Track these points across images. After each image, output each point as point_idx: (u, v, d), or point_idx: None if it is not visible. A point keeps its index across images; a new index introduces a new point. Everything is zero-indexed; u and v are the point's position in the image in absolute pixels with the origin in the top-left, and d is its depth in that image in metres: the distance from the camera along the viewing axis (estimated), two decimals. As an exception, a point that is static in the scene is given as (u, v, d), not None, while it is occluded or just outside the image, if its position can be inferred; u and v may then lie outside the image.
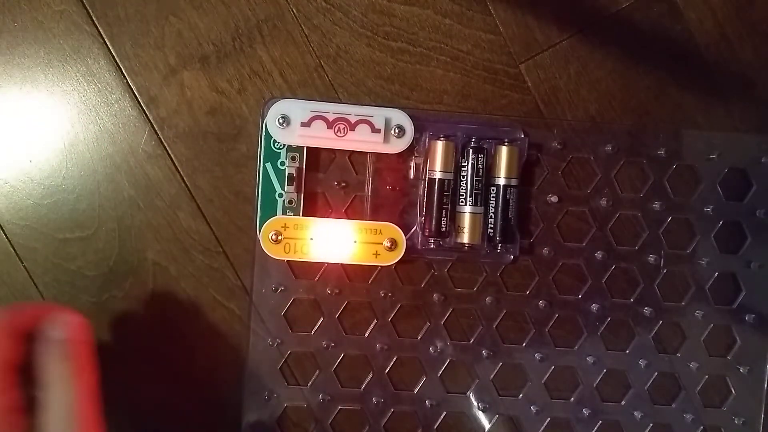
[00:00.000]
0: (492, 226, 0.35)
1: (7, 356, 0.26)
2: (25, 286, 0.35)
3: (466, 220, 0.34)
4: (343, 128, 0.34)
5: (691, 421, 0.37)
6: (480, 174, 0.34)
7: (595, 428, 0.37)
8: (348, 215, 0.35)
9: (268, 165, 0.34)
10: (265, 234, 0.33)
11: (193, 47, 0.35)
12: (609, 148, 0.36)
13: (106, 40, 0.35)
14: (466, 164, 0.34)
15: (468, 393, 0.37)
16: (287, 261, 0.35)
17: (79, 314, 0.28)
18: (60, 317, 0.27)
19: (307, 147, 0.34)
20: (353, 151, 0.35)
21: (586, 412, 0.37)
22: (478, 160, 0.34)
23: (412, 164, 0.35)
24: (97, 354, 0.29)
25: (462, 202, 0.35)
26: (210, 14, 0.35)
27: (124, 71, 0.35)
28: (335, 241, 0.34)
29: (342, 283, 0.36)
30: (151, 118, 0.35)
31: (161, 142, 0.35)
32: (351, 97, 0.35)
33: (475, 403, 0.37)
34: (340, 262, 0.35)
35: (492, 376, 0.37)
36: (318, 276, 0.35)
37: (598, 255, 0.36)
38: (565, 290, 0.37)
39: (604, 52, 0.36)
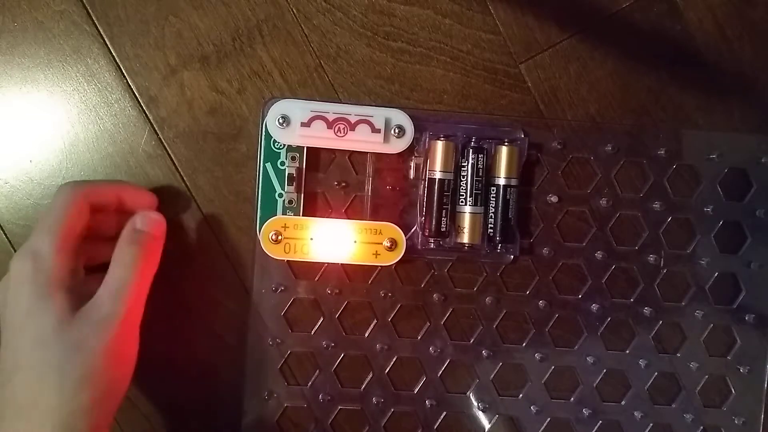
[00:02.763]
0: (492, 226, 0.35)
1: (81, 223, 0.30)
2: (25, 286, 0.35)
3: (466, 220, 0.34)
4: (343, 128, 0.34)
5: (691, 421, 0.37)
6: (480, 174, 0.34)
7: (595, 428, 0.37)
8: (348, 215, 0.35)
9: (268, 165, 0.34)
10: (265, 234, 0.33)
11: (193, 47, 0.35)
12: (609, 148, 0.36)
13: (106, 40, 0.35)
14: (466, 164, 0.34)
15: (468, 393, 0.37)
16: (287, 261, 0.35)
17: (161, 216, 0.32)
18: (148, 214, 0.32)
19: (307, 147, 0.34)
20: (353, 151, 0.35)
21: (586, 412, 0.37)
22: (478, 160, 0.34)
23: (412, 164, 0.35)
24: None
25: (462, 202, 0.35)
26: (210, 14, 0.35)
27: (124, 71, 0.35)
28: (335, 241, 0.34)
29: (342, 283, 0.36)
30: (151, 118, 0.35)
31: (161, 142, 0.35)
32: (351, 97, 0.35)
33: (475, 403, 0.37)
34: (340, 262, 0.35)
35: (492, 376, 0.37)
36: (318, 276, 0.35)
37: (598, 255, 0.36)
38: (565, 290, 0.37)
39: (604, 52, 0.36)
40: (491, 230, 0.35)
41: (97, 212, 0.31)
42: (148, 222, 0.32)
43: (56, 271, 0.28)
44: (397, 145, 0.34)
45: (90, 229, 0.31)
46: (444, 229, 0.34)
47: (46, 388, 0.27)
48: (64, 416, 0.27)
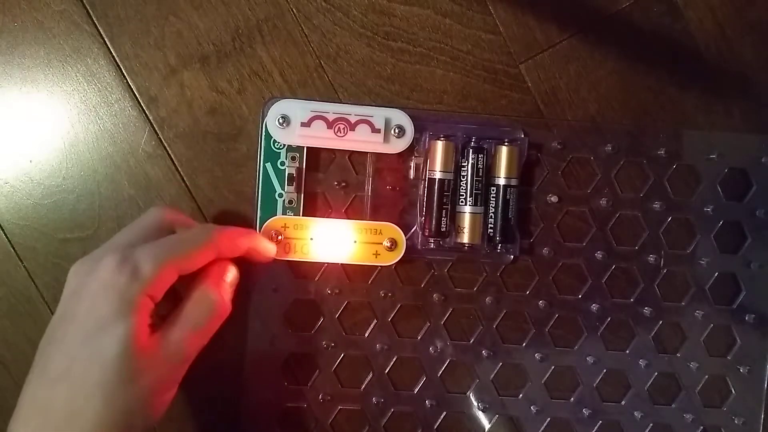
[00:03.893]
0: (492, 226, 0.35)
1: (201, 264, 0.29)
2: (25, 286, 0.35)
3: (466, 220, 0.34)
4: (343, 128, 0.34)
5: (691, 421, 0.37)
6: (480, 174, 0.34)
7: (595, 428, 0.37)
8: (348, 215, 0.35)
9: (268, 165, 0.34)
10: (265, 234, 0.33)
11: (193, 47, 0.35)
12: (609, 148, 0.36)
13: (106, 40, 0.35)
14: (466, 164, 0.34)
15: (468, 393, 0.37)
16: (287, 261, 0.35)
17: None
18: (233, 271, 0.31)
19: (307, 147, 0.34)
20: (353, 151, 0.35)
21: (586, 412, 0.37)
22: (478, 160, 0.34)
23: (412, 164, 0.35)
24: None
25: (462, 202, 0.35)
26: (210, 14, 0.35)
27: (124, 71, 0.35)
28: (335, 241, 0.34)
29: (342, 283, 0.36)
30: (151, 118, 0.35)
31: (161, 142, 0.35)
32: (351, 97, 0.35)
33: (475, 403, 0.37)
34: (340, 262, 0.35)
35: (492, 376, 0.37)
36: (318, 276, 0.35)
37: (598, 255, 0.36)
38: (565, 290, 0.37)
39: (604, 52, 0.36)
40: (491, 230, 0.35)
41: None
42: (236, 276, 0.31)
43: (148, 295, 0.27)
44: (397, 145, 0.34)
45: None
46: (444, 229, 0.34)
47: (88, 412, 0.25)
48: None
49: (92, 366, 0.26)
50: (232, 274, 0.31)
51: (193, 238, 0.29)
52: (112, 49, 0.35)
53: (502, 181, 0.35)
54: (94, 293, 0.26)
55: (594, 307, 0.36)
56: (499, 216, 0.35)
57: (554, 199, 0.36)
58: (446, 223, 0.34)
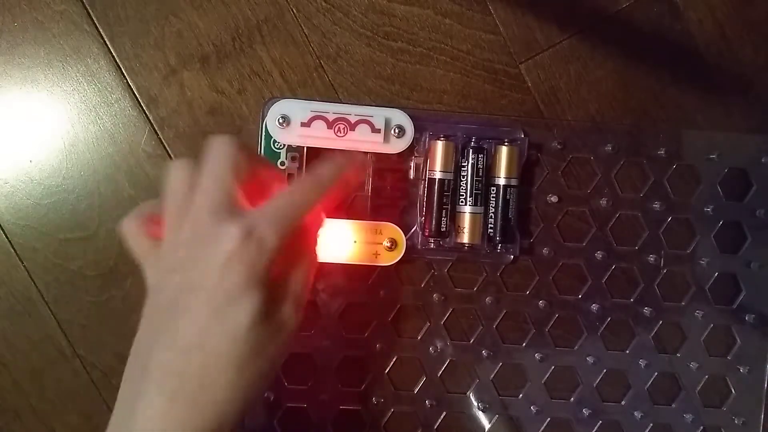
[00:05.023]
0: (492, 226, 0.35)
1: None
2: (25, 286, 0.35)
3: (466, 220, 0.34)
4: (343, 128, 0.34)
5: (691, 421, 0.37)
6: (480, 174, 0.34)
7: (595, 428, 0.37)
8: (348, 215, 0.35)
9: (268, 165, 0.34)
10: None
11: (193, 47, 0.35)
12: (609, 148, 0.36)
13: (106, 40, 0.35)
14: (466, 164, 0.34)
15: (468, 393, 0.37)
16: (287, 261, 0.35)
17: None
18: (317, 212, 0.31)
19: (307, 147, 0.34)
20: (353, 151, 0.35)
21: (586, 412, 0.37)
22: (478, 160, 0.34)
23: (412, 164, 0.35)
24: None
25: (462, 202, 0.35)
26: (210, 14, 0.35)
27: (124, 71, 0.35)
28: (335, 241, 0.34)
29: (342, 283, 0.36)
30: (151, 118, 0.35)
31: (161, 142, 0.35)
32: (351, 97, 0.35)
33: (475, 403, 0.37)
34: (340, 262, 0.35)
35: (492, 376, 0.37)
36: (318, 276, 0.35)
37: (598, 255, 0.36)
38: (565, 290, 0.37)
39: (604, 52, 0.36)
40: (491, 230, 0.35)
41: None
42: (317, 220, 0.31)
43: (273, 266, 0.27)
44: (397, 145, 0.34)
45: None
46: (444, 229, 0.34)
47: (222, 382, 0.26)
48: (225, 412, 0.26)
49: (225, 339, 0.26)
50: (322, 225, 0.31)
51: (306, 196, 0.29)
52: (112, 49, 0.35)
53: (502, 181, 0.35)
54: (221, 265, 0.26)
55: (594, 307, 0.36)
56: (499, 216, 0.35)
57: (554, 199, 0.36)
58: (446, 223, 0.34)
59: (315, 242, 0.31)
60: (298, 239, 0.29)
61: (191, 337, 0.26)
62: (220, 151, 0.28)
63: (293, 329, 0.28)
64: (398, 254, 0.34)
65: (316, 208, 0.29)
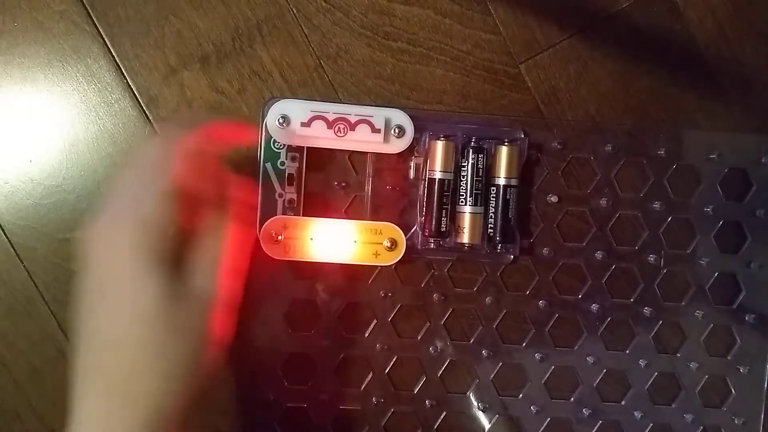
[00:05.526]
0: (492, 226, 0.35)
1: (196, 185, 0.28)
2: (25, 286, 0.35)
3: (466, 220, 0.34)
4: (343, 128, 0.34)
5: (691, 421, 0.37)
6: (480, 174, 0.34)
7: (595, 428, 0.37)
8: (348, 215, 0.35)
9: (268, 165, 0.34)
10: (265, 234, 0.33)
11: (193, 47, 0.35)
12: (609, 148, 0.36)
13: (106, 40, 0.35)
14: (466, 164, 0.34)
15: (468, 393, 0.37)
16: (287, 261, 0.35)
17: (252, 182, 0.31)
18: (242, 180, 0.30)
19: (307, 147, 0.34)
20: (353, 151, 0.35)
21: (586, 412, 0.37)
22: (478, 160, 0.34)
23: (412, 164, 0.35)
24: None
25: (462, 202, 0.35)
26: (210, 14, 0.35)
27: (124, 71, 0.35)
28: (335, 241, 0.34)
29: (342, 283, 0.36)
30: (151, 118, 0.35)
31: (161, 142, 0.35)
32: (351, 97, 0.35)
33: (475, 403, 0.37)
34: (340, 262, 0.35)
35: (492, 376, 0.37)
36: (318, 276, 0.35)
37: (598, 255, 0.36)
38: (565, 290, 0.37)
39: (604, 52, 0.36)
40: (491, 230, 0.35)
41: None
42: (246, 190, 0.30)
43: (166, 241, 0.26)
44: (397, 145, 0.34)
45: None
46: (444, 229, 0.34)
47: (143, 369, 0.26)
48: (158, 400, 0.26)
49: (135, 326, 0.26)
50: (238, 190, 0.30)
51: (162, 157, 0.28)
52: (112, 49, 0.35)
53: (502, 181, 0.35)
54: (113, 259, 0.26)
55: (594, 307, 0.36)
56: (499, 216, 0.35)
57: (554, 199, 0.36)
58: (446, 223, 0.34)
59: (225, 210, 0.29)
60: (196, 208, 0.28)
61: (106, 332, 0.26)
62: (155, 159, 0.27)
63: (210, 300, 0.27)
64: (398, 254, 0.34)
65: (188, 163, 0.28)
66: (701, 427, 0.37)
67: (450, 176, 0.34)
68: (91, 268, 0.27)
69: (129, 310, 0.26)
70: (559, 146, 0.36)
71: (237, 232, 0.29)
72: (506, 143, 0.35)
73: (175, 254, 0.27)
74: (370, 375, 0.36)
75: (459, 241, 0.35)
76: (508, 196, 0.35)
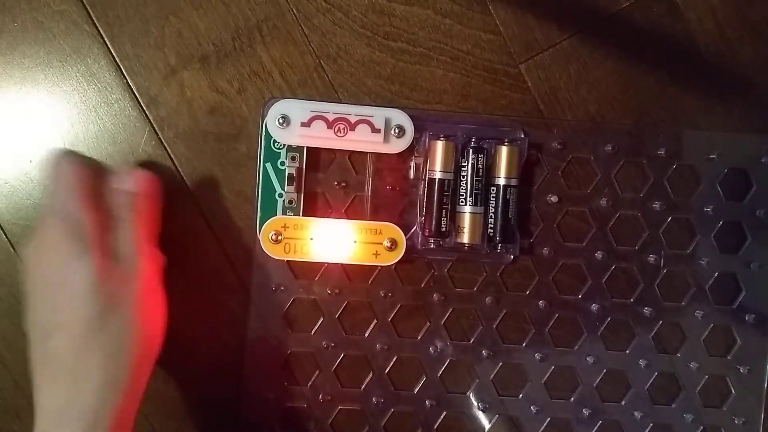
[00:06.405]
0: (492, 226, 0.35)
1: (92, 181, 0.31)
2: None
3: (466, 220, 0.34)
4: (343, 128, 0.34)
5: (691, 421, 0.37)
6: (480, 174, 0.34)
7: (595, 428, 0.37)
8: (348, 215, 0.35)
9: (268, 165, 0.34)
10: (265, 234, 0.33)
11: (193, 47, 0.35)
12: (609, 148, 0.36)
13: (106, 40, 0.35)
14: (466, 164, 0.34)
15: (468, 393, 0.37)
16: (287, 261, 0.35)
17: (150, 174, 0.32)
18: (136, 173, 0.32)
19: (307, 147, 0.34)
20: (353, 151, 0.35)
21: (586, 412, 0.37)
22: (478, 160, 0.34)
23: (412, 164, 0.35)
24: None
25: (462, 202, 0.35)
26: (210, 14, 0.35)
27: (124, 71, 0.35)
28: (335, 241, 0.34)
29: (342, 283, 0.36)
30: (151, 118, 0.35)
31: (161, 142, 0.35)
32: (351, 97, 0.35)
33: (475, 403, 0.37)
34: (340, 262, 0.35)
35: (492, 376, 0.37)
36: (318, 276, 0.35)
37: (598, 255, 0.36)
38: (565, 290, 0.37)
39: (604, 52, 0.36)
40: (491, 230, 0.35)
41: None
42: (136, 182, 0.32)
43: (88, 228, 0.29)
44: (397, 145, 0.34)
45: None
46: (444, 229, 0.34)
47: (90, 345, 0.28)
48: (106, 373, 0.28)
49: (74, 305, 0.28)
50: (129, 183, 0.32)
51: (64, 166, 0.31)
52: (112, 49, 0.35)
53: (502, 181, 0.35)
54: (50, 254, 0.29)
55: (594, 307, 0.36)
56: (499, 216, 0.35)
57: (554, 199, 0.36)
58: (446, 223, 0.34)
59: (128, 178, 0.32)
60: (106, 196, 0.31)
61: (50, 317, 0.29)
62: (57, 169, 0.30)
63: (142, 272, 0.30)
64: (398, 254, 0.34)
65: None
66: (701, 427, 0.37)
67: (450, 176, 0.34)
68: (33, 270, 0.30)
69: (67, 291, 0.28)
70: (559, 146, 0.36)
71: (138, 220, 0.31)
72: (506, 143, 0.35)
73: (98, 241, 0.29)
74: (370, 375, 0.36)
75: (459, 241, 0.35)
76: (508, 196, 0.35)
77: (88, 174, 0.31)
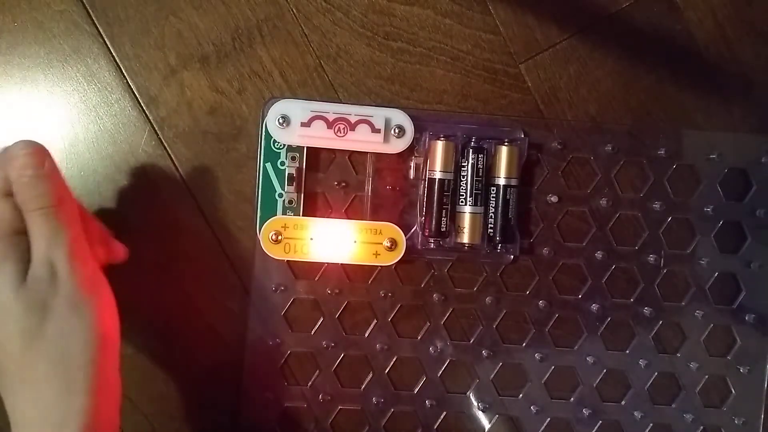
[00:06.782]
0: (492, 226, 0.35)
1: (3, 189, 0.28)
2: (25, 286, 0.35)
3: (466, 220, 0.34)
4: (343, 128, 0.34)
5: (691, 421, 0.37)
6: (480, 174, 0.34)
7: (595, 428, 0.37)
8: (348, 215, 0.35)
9: (268, 165, 0.34)
10: (265, 234, 0.33)
11: (193, 47, 0.35)
12: (609, 148, 0.36)
13: (106, 40, 0.35)
14: (466, 164, 0.34)
15: (468, 393, 0.37)
16: (287, 261, 0.35)
17: (37, 144, 0.29)
18: (18, 148, 0.28)
19: (307, 147, 0.34)
20: (353, 151, 0.35)
21: (586, 412, 0.37)
22: (478, 160, 0.34)
23: (412, 164, 0.35)
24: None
25: (462, 202, 0.35)
26: (210, 14, 0.35)
27: (124, 71, 0.35)
28: (335, 241, 0.34)
29: (342, 283, 0.36)
30: (151, 118, 0.35)
31: (161, 142, 0.35)
32: (351, 97, 0.35)
33: (475, 403, 0.37)
34: (340, 262, 0.35)
35: (492, 376, 0.37)
36: (318, 276, 0.35)
37: (598, 255, 0.36)
38: (565, 290, 0.37)
39: (604, 52, 0.36)
40: (491, 230, 0.35)
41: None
42: (28, 160, 0.28)
43: (4, 243, 0.28)
44: (397, 145, 0.34)
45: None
46: (444, 229, 0.34)
47: (33, 357, 0.27)
48: (65, 379, 0.27)
49: (1, 326, 0.27)
50: (18, 164, 0.28)
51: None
52: (112, 49, 0.35)
53: (502, 181, 0.35)
54: None
55: (594, 307, 0.36)
56: (499, 216, 0.35)
57: (554, 199, 0.36)
58: (446, 223, 0.34)
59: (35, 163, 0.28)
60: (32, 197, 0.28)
61: None
62: None
63: (73, 276, 0.28)
64: (398, 254, 0.34)
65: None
66: (701, 427, 0.37)
67: (450, 176, 0.34)
68: None
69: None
70: (559, 146, 0.36)
71: (47, 194, 0.28)
72: (506, 143, 0.35)
73: (9, 248, 0.28)
74: (370, 375, 0.36)
75: (459, 241, 0.35)
76: (508, 196, 0.35)
77: None
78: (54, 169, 0.29)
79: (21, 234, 0.28)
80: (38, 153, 0.28)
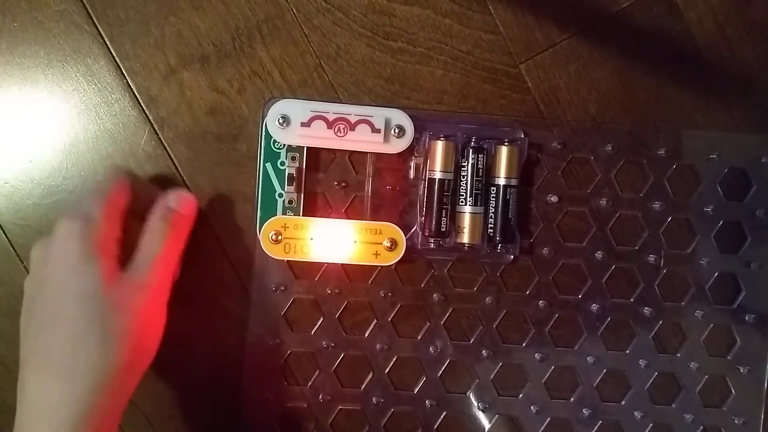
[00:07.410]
0: (492, 226, 0.35)
1: (124, 198, 0.32)
2: (25, 286, 0.35)
3: (466, 220, 0.34)
4: (343, 128, 0.34)
5: (691, 421, 0.37)
6: (480, 174, 0.34)
7: (595, 428, 0.37)
8: (348, 215, 0.35)
9: (268, 165, 0.34)
10: (265, 234, 0.33)
11: (193, 47, 0.35)
12: (609, 148, 0.36)
13: (106, 40, 0.35)
14: (466, 164, 0.34)
15: (468, 393, 0.37)
16: (287, 261, 0.35)
17: (192, 196, 0.34)
18: (180, 193, 0.33)
19: (307, 147, 0.34)
20: (353, 151, 0.35)
21: (586, 412, 0.37)
22: (478, 160, 0.34)
23: (412, 164, 0.35)
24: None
25: (462, 202, 0.35)
26: (210, 14, 0.35)
27: (124, 71, 0.35)
28: (335, 241, 0.34)
29: (342, 283, 0.36)
30: (151, 118, 0.35)
31: (161, 142, 0.35)
32: (351, 97, 0.35)
33: (475, 403, 0.37)
34: (340, 262, 0.35)
35: (492, 376, 0.37)
36: (318, 276, 0.35)
37: (598, 255, 0.36)
38: (565, 290, 0.37)
39: (604, 52, 0.36)
40: (491, 230, 0.35)
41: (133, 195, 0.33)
42: (180, 201, 0.33)
43: (104, 235, 0.30)
44: (397, 145, 0.34)
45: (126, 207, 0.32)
46: (444, 229, 0.34)
47: (88, 343, 0.28)
48: (103, 372, 0.28)
49: (74, 303, 0.29)
50: (173, 200, 0.33)
51: (107, 177, 0.32)
52: (112, 49, 0.35)
53: (502, 181, 0.35)
54: (60, 251, 0.29)
55: (594, 307, 0.36)
56: (499, 216, 0.35)
57: (554, 199, 0.36)
58: (446, 223, 0.34)
59: (164, 212, 0.32)
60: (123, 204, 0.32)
61: (44, 313, 0.29)
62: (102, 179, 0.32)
63: (151, 286, 0.31)
64: (398, 254, 0.34)
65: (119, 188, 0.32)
66: (701, 427, 0.37)
67: (450, 176, 0.34)
68: (38, 265, 0.30)
69: (73, 292, 0.29)
70: (559, 146, 0.36)
71: (170, 236, 0.32)
72: (506, 143, 0.35)
73: (111, 246, 0.30)
74: (370, 375, 0.36)
75: (459, 241, 0.35)
76: (508, 196, 0.35)
77: (124, 185, 0.32)
78: (189, 224, 0.33)
79: (125, 240, 0.31)
80: (193, 204, 0.33)
